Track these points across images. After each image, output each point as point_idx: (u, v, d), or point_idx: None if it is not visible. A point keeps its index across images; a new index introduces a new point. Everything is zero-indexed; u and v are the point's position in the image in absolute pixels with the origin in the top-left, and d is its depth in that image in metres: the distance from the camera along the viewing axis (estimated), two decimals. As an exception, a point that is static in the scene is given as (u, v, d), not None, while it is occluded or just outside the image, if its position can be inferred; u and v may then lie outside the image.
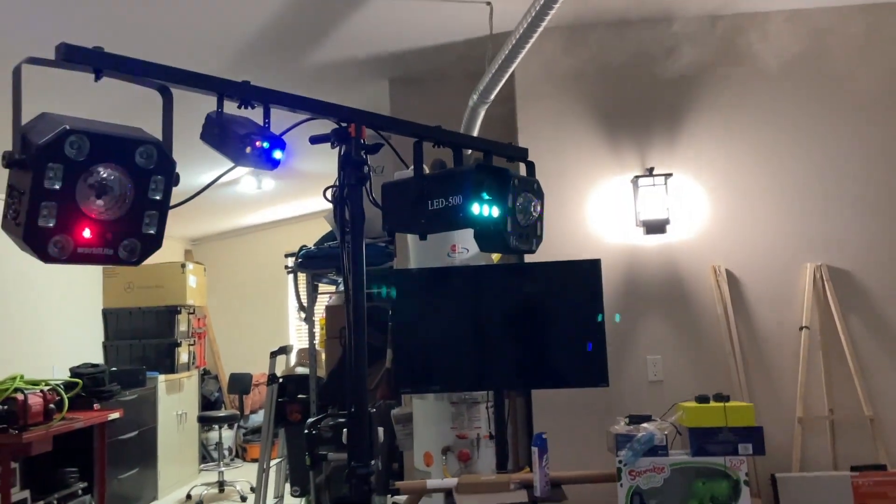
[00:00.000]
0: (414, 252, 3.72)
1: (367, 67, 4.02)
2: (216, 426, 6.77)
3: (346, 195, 1.49)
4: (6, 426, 4.32)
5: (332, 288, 5.22)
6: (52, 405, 4.67)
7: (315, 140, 1.56)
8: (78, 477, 5.21)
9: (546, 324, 3.08)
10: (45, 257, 1.05)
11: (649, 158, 3.38)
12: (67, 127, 1.06)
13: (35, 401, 4.53)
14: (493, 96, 3.15)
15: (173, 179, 1.21)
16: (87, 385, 5.47)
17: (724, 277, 3.29)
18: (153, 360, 6.49)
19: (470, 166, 1.66)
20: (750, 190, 3.32)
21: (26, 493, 4.75)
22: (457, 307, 3.14)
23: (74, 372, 5.54)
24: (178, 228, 7.91)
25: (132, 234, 1.17)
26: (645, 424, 2.88)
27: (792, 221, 3.29)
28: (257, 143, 1.35)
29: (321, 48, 3.69)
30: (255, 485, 6.09)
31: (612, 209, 3.40)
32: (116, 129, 1.15)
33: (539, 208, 1.87)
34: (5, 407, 4.37)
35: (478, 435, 3.42)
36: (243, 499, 5.96)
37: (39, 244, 1.05)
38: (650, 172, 3.32)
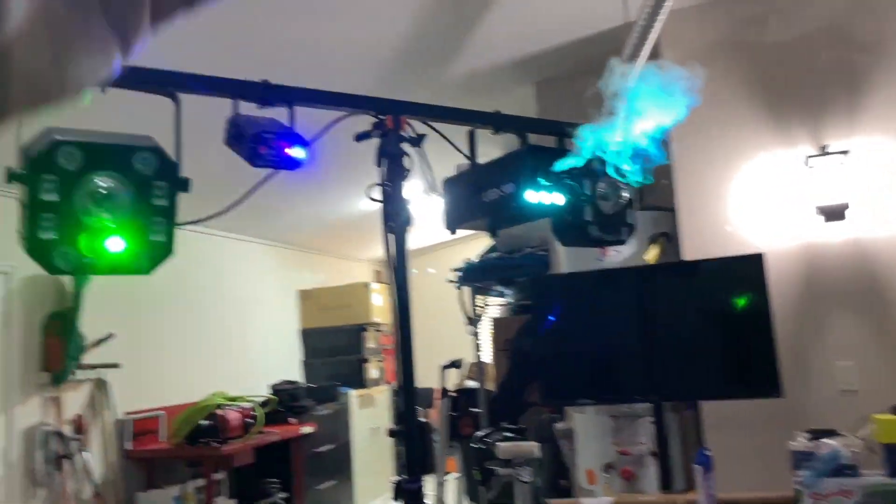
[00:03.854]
0: (563, 257, 3.57)
1: (509, 72, 3.94)
2: (406, 440, 6.95)
3: (389, 191, 1.42)
4: (209, 439, 4.74)
5: (501, 300, 5.16)
6: (249, 420, 5.06)
7: (360, 137, 1.51)
8: (279, 487, 5.58)
9: (705, 328, 2.78)
10: (52, 269, 1.09)
11: (823, 135, 2.95)
12: (58, 138, 1.09)
13: (234, 416, 4.93)
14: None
15: (179, 185, 1.21)
16: (284, 401, 5.88)
17: (929, 266, 2.77)
18: (345, 376, 6.83)
19: (521, 149, 1.51)
20: (958, 160, 2.78)
21: (233, 502, 5.17)
22: (603, 313, 2.93)
23: (273, 388, 5.99)
24: (367, 251, 8.31)
25: (140, 243, 1.18)
26: (828, 440, 2.48)
27: None
28: (272, 143, 1.32)
29: (460, 58, 3.67)
30: (437, 498, 6.16)
31: (782, 195, 3.00)
32: (114, 138, 1.16)
33: (627, 194, 1.67)
34: (209, 422, 4.80)
35: (641, 451, 3.17)
36: (433, 511, 6.05)
37: (43, 256, 1.08)
38: (824, 151, 2.89)
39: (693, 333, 2.80)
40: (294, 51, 3.30)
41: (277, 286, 6.89)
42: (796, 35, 3.03)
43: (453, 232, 1.77)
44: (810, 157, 2.92)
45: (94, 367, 4.64)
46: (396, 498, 1.53)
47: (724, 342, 2.76)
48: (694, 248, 3.13)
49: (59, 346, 4.35)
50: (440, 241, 8.26)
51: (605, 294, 2.90)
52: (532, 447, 3.09)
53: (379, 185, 1.47)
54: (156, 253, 1.21)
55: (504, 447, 3.13)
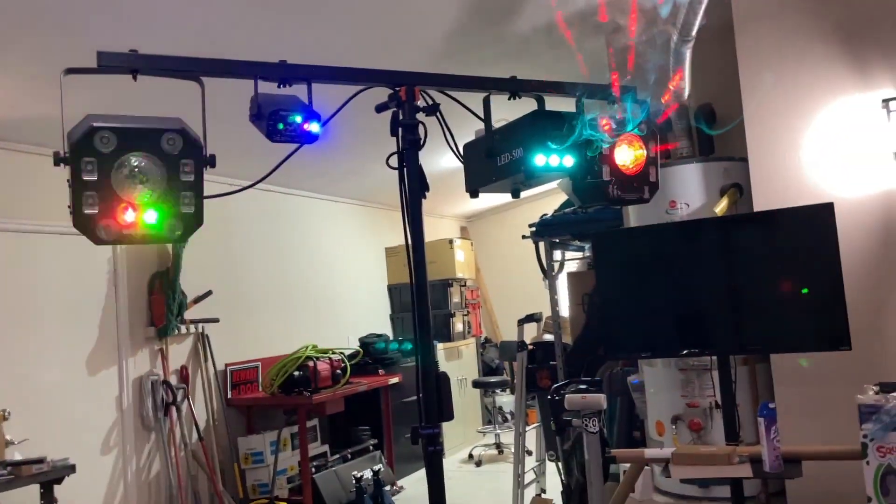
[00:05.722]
0: (632, 211, 3.55)
1: (580, 26, 3.88)
2: (491, 391, 7.12)
3: (403, 160, 1.49)
4: (302, 389, 5.03)
5: (580, 255, 5.17)
6: (338, 371, 5.33)
7: (380, 108, 1.58)
8: (369, 434, 5.87)
9: (772, 280, 2.73)
10: (96, 240, 1.24)
11: (906, 76, 2.79)
12: (95, 124, 1.24)
13: (323, 367, 5.20)
14: (694, 32, 2.85)
15: (203, 162, 1.33)
16: (372, 353, 6.14)
17: None
18: (432, 330, 7.01)
19: (528, 114, 1.54)
20: None
21: (325, 447, 5.50)
22: (667, 266, 2.91)
23: (361, 341, 6.26)
24: (453, 207, 8.42)
25: (172, 215, 1.32)
26: (897, 394, 2.42)
27: None
28: (288, 120, 1.42)
29: (522, 16, 3.67)
30: (517, 448, 6.31)
31: (858, 141, 2.88)
32: (145, 122, 1.30)
33: (649, 152, 1.67)
34: (301, 372, 5.10)
35: (710, 404, 3.17)
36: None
37: (88, 229, 1.24)
38: (904, 93, 2.74)
39: (765, 285, 2.75)
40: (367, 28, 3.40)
41: (365, 244, 7.13)
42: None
43: (474, 195, 1.83)
44: (888, 100, 2.78)
45: (195, 321, 5.01)
46: (414, 442, 1.65)
47: (795, 294, 2.71)
48: (766, 198, 3.06)
49: (163, 303, 4.72)
50: (524, 196, 8.27)
51: (677, 247, 2.87)
52: (598, 399, 3.14)
53: (394, 153, 1.56)
54: (186, 223, 1.36)
55: (571, 398, 3.20)
